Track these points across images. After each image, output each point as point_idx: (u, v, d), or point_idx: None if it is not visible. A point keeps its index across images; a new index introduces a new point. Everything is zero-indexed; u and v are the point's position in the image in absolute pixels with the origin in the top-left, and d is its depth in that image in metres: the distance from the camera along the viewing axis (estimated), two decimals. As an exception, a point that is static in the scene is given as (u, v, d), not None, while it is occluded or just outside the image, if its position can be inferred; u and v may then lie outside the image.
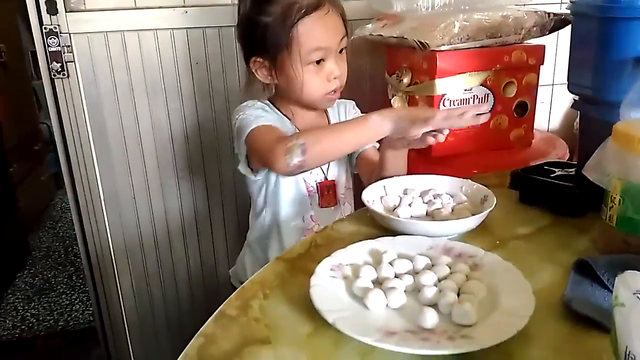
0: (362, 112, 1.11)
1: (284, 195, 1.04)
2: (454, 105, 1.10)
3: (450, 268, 0.63)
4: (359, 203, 1.11)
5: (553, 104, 1.61)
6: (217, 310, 0.61)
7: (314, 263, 0.70)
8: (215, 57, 1.36)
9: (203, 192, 1.47)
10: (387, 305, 0.58)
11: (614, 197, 0.66)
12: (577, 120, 1.55)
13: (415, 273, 0.64)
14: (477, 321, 0.54)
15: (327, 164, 1.05)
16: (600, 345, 0.51)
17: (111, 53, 1.30)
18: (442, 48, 1.04)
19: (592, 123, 0.91)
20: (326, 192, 1.06)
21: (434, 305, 0.57)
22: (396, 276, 0.63)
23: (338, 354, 0.53)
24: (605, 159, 0.68)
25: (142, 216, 1.44)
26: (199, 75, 1.37)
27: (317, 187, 1.05)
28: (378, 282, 0.62)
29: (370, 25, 1.22)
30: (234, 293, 0.65)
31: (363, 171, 1.07)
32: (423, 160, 1.11)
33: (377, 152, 1.06)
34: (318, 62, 0.95)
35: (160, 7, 1.30)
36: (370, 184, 0.90)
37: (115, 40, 1.29)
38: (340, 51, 0.98)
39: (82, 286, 2.28)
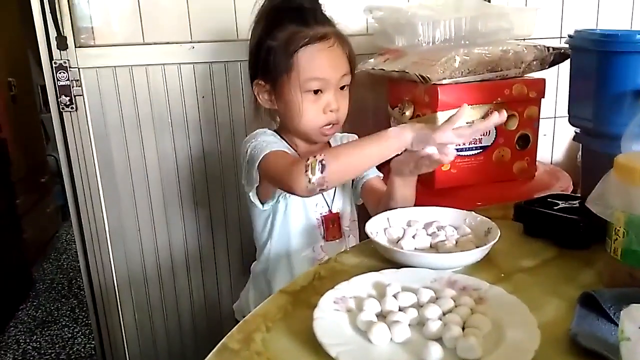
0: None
1: (294, 226, 1.04)
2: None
3: (454, 301, 0.63)
4: (363, 235, 1.11)
5: (556, 136, 1.61)
6: (219, 344, 0.61)
7: (317, 296, 0.70)
8: (221, 90, 1.38)
9: (207, 224, 1.47)
10: (391, 339, 0.57)
11: (618, 230, 0.66)
12: (580, 152, 1.55)
13: (419, 306, 0.63)
14: (482, 356, 0.53)
15: (333, 195, 1.06)
16: (609, 381, 0.51)
17: (119, 87, 1.33)
18: (444, 82, 1.06)
19: (593, 155, 0.92)
20: (331, 225, 1.06)
21: (438, 340, 0.56)
22: (400, 309, 0.63)
23: (342, 389, 0.52)
24: (608, 191, 0.68)
25: (147, 248, 1.45)
26: (205, 108, 1.39)
27: (321, 220, 1.05)
28: (382, 315, 0.62)
29: (372, 60, 1.24)
30: (236, 326, 0.64)
31: (369, 201, 1.07)
32: (426, 192, 1.11)
33: (381, 181, 1.07)
34: (316, 92, 0.96)
35: (167, 43, 1.33)
36: (377, 213, 0.91)
37: (123, 74, 1.32)
38: (342, 88, 0.99)
39: (84, 319, 2.26)
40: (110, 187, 1.38)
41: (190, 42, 1.34)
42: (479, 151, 1.14)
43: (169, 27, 1.32)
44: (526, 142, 1.16)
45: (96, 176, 1.36)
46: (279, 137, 1.04)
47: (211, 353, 0.59)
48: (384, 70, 1.16)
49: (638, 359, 0.42)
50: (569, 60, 1.15)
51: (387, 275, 0.70)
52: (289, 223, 1.03)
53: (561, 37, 1.53)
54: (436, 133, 0.81)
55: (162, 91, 1.36)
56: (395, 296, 0.64)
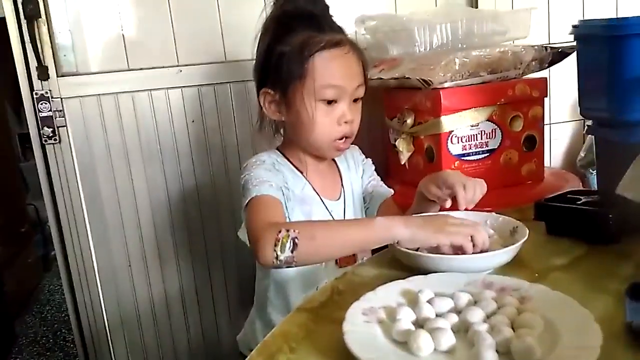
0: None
1: (291, 272, 0.95)
2: (462, 142, 1.06)
3: (496, 302, 0.57)
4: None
5: (552, 143, 1.59)
6: (240, 370, 0.54)
7: (340, 311, 0.63)
8: (211, 113, 1.34)
9: (203, 256, 1.39)
10: (434, 348, 0.51)
11: (660, 214, 0.62)
12: (581, 154, 1.53)
13: (457, 311, 0.57)
14: (541, 357, 0.47)
15: (344, 216, 0.99)
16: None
17: (104, 115, 1.27)
18: (445, 85, 1.02)
19: (609, 146, 0.88)
20: None
21: (489, 344, 0.50)
22: (437, 316, 0.57)
23: (388, 407, 0.46)
24: (643, 174, 0.64)
25: (139, 286, 1.36)
26: (195, 133, 1.34)
27: None
28: (418, 324, 0.55)
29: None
30: (254, 350, 0.57)
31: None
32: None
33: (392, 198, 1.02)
34: (330, 102, 0.90)
35: (153, 68, 1.28)
36: None
37: (108, 102, 1.27)
38: (355, 100, 0.94)
39: (71, 372, 2.13)
40: (98, 223, 1.31)
41: (177, 66, 1.29)
42: (486, 155, 1.10)
43: (154, 51, 1.28)
44: (533, 144, 1.13)
45: (82, 211, 1.29)
46: (280, 159, 0.97)
47: (232, 380, 0.52)
48: (382, 79, 1.12)
49: None
50: (563, 60, 1.14)
51: (415, 282, 0.64)
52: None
53: (550, 44, 1.52)
54: (433, 239, 0.71)
55: (149, 118, 1.30)
56: (430, 302, 0.58)
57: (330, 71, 0.89)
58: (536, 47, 1.12)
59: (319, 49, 0.88)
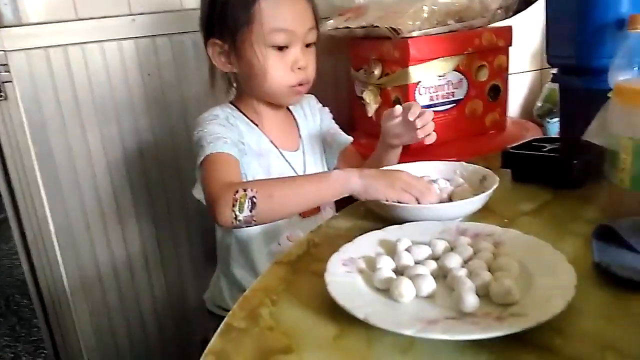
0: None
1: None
2: (429, 92, 1.06)
3: (472, 248, 0.58)
4: (339, 205, 1.05)
5: (510, 92, 1.61)
6: (222, 324, 0.53)
7: (318, 262, 0.63)
8: (168, 66, 1.27)
9: (164, 213, 1.36)
10: (416, 294, 0.52)
11: (625, 158, 0.64)
12: (538, 104, 1.57)
13: (435, 258, 0.58)
14: (519, 298, 0.49)
15: (303, 168, 0.99)
16: (652, 307, 0.48)
17: (54, 69, 1.19)
18: (413, 34, 1.01)
19: (573, 94, 0.90)
20: None
21: (469, 287, 0.51)
22: (416, 263, 0.57)
23: (374, 353, 0.46)
24: (611, 120, 0.66)
25: (99, 246, 1.32)
26: (152, 87, 1.28)
27: None
28: (398, 272, 0.56)
29: (332, 21, 1.18)
30: (236, 304, 0.57)
31: (347, 166, 1.01)
32: (402, 152, 1.07)
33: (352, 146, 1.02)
34: (281, 48, 0.87)
35: (104, 17, 1.20)
36: None
37: (57, 55, 1.18)
38: (308, 45, 0.91)
39: (28, 336, 2.07)
40: (52, 184, 1.25)
41: (130, 15, 1.22)
42: (452, 105, 1.10)
43: (104, -1, 1.19)
44: (497, 93, 1.14)
45: (35, 171, 1.22)
46: (235, 113, 0.94)
47: (215, 335, 0.51)
48: (349, 28, 1.09)
49: None
50: (529, 7, 1.14)
51: (391, 232, 0.64)
52: None
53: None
54: (382, 194, 0.71)
55: (102, 71, 1.23)
56: (408, 250, 0.59)
57: (278, 15, 0.86)
58: (501, -5, 1.11)
59: None
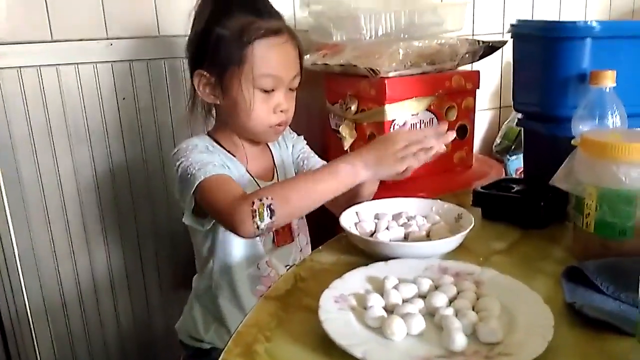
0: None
1: (236, 246, 0.96)
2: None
3: (456, 287, 0.62)
4: (313, 231, 1.08)
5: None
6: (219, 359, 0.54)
7: (306, 297, 0.66)
8: (143, 91, 1.27)
9: (134, 240, 1.34)
10: (407, 332, 0.55)
11: (590, 204, 0.69)
12: (497, 141, 1.65)
13: (421, 296, 0.61)
14: (503, 338, 0.52)
15: None
16: (622, 347, 0.52)
17: (25, 90, 1.17)
18: (390, 75, 1.06)
19: (537, 139, 0.96)
20: (281, 230, 1.00)
21: (456, 327, 0.54)
22: (404, 301, 0.60)
23: (371, 390, 0.49)
24: (577, 168, 0.71)
25: (64, 273, 1.29)
26: (126, 112, 1.27)
27: None
28: (388, 310, 0.59)
29: (309, 56, 1.22)
30: (230, 340, 0.58)
31: None
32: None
33: None
34: (267, 91, 0.91)
35: (81, 40, 1.20)
36: (334, 204, 0.91)
37: (30, 76, 1.17)
38: (291, 89, 0.95)
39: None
40: (18, 206, 1.21)
41: (107, 39, 1.22)
42: (423, 143, 1.15)
43: (80, 21, 1.18)
44: (465, 132, 1.21)
45: (1, 194, 1.19)
46: (214, 144, 0.97)
47: (214, 372, 0.52)
48: (327, 65, 1.13)
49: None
50: (493, 54, 1.22)
51: (378, 269, 0.68)
52: (230, 243, 0.96)
53: (473, 34, 1.61)
54: (394, 170, 0.81)
55: (76, 94, 1.22)
56: (395, 288, 0.62)
57: (269, 60, 0.89)
58: (470, 40, 1.19)
59: (259, 37, 0.88)
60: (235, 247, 0.96)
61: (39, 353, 1.30)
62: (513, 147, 1.57)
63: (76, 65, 1.21)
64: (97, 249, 1.31)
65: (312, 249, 1.06)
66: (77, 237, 1.28)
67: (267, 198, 0.77)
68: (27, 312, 1.26)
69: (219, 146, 0.97)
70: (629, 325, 0.53)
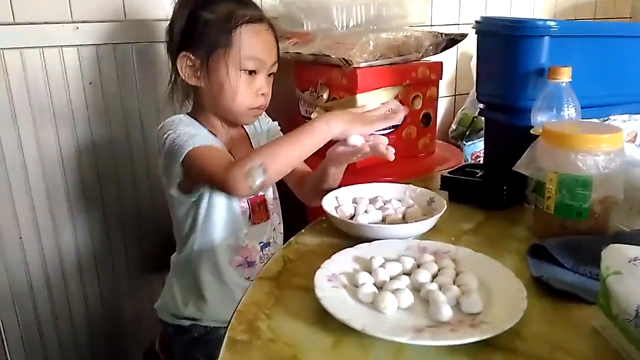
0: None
1: (218, 217, 1.01)
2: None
3: (437, 264, 0.68)
4: (285, 212, 1.12)
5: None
6: (225, 338, 0.58)
7: (299, 277, 0.70)
8: (110, 76, 1.26)
9: (101, 223, 1.34)
10: (398, 306, 0.60)
11: (550, 188, 0.77)
12: (453, 127, 1.74)
13: (406, 274, 0.67)
14: (482, 308, 0.59)
15: None
16: (584, 314, 0.60)
17: (-12, 73, 1.13)
18: (361, 65, 1.10)
19: (498, 127, 1.04)
20: (257, 208, 1.05)
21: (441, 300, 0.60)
22: (391, 278, 0.66)
23: (370, 357, 0.54)
24: (538, 156, 0.79)
25: (31, 258, 1.27)
26: (93, 96, 1.26)
27: (248, 204, 1.03)
28: (377, 286, 0.64)
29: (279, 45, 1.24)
30: (232, 318, 0.62)
31: (292, 180, 1.09)
32: (346, 172, 1.16)
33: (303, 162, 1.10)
34: (250, 73, 0.96)
35: (46, 23, 1.17)
36: (301, 190, 1.03)
37: (-8, 59, 1.13)
38: (270, 75, 1.01)
39: None
40: (-20, 191, 1.18)
41: (73, 22, 1.19)
42: (390, 130, 1.22)
43: (44, 4, 1.16)
44: (428, 120, 1.27)
45: (-37, 179, 1.16)
46: (195, 122, 1.00)
47: (222, 348, 0.56)
48: (299, 53, 1.16)
49: (631, 286, 0.51)
50: (454, 45, 1.29)
51: (363, 250, 0.73)
52: (213, 213, 1.00)
53: (431, 25, 1.68)
54: (366, 130, 0.87)
55: (41, 78, 1.19)
56: (382, 267, 0.67)
57: (254, 44, 0.95)
58: (433, 32, 1.25)
59: (245, 22, 0.94)
60: (218, 221, 1.00)
61: (6, 339, 1.28)
62: (467, 133, 1.67)
63: (41, 49, 1.18)
64: (64, 232, 1.30)
65: (284, 229, 1.11)
66: (43, 220, 1.27)
67: (257, 159, 0.82)
68: (-8, 301, 1.24)
69: (200, 124, 1.01)
70: (590, 295, 0.60)
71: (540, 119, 0.89)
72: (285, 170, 0.89)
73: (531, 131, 0.89)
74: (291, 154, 0.87)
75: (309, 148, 0.87)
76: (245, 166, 0.82)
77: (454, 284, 0.64)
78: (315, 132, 0.86)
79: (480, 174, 0.97)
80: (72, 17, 1.20)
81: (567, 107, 0.87)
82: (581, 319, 0.59)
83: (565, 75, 0.86)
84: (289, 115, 1.43)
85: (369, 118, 0.88)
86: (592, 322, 0.57)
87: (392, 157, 0.87)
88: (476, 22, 1.00)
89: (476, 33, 1.01)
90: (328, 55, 1.11)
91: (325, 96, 1.18)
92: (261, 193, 1.05)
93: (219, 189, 0.89)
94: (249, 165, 0.82)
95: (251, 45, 0.94)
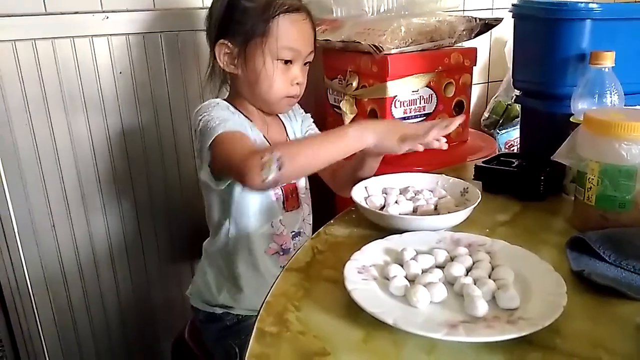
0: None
1: (252, 204, 1.00)
2: (404, 106, 1.14)
3: (471, 257, 0.66)
4: (314, 202, 1.11)
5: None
6: (255, 329, 0.57)
7: (326, 269, 0.69)
8: (140, 65, 1.26)
9: (132, 211, 1.35)
10: (430, 300, 0.58)
11: (592, 179, 0.74)
12: (485, 115, 1.69)
13: (438, 267, 0.65)
14: (520, 304, 0.57)
15: None
16: (627, 310, 0.57)
17: (21, 64, 1.15)
18: (392, 52, 1.08)
19: (535, 115, 1.00)
20: (290, 196, 1.05)
21: (476, 295, 0.58)
22: (423, 271, 0.64)
23: (403, 354, 0.52)
24: (580, 145, 0.76)
25: (63, 244, 1.29)
26: (123, 85, 1.26)
27: (282, 191, 1.03)
28: (409, 279, 0.62)
29: (308, 31, 1.22)
30: (262, 309, 0.61)
31: (326, 169, 1.07)
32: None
33: None
34: (286, 62, 0.95)
35: (76, 13, 1.17)
36: (336, 181, 1.00)
37: (25, 49, 1.14)
38: (305, 64, 1.00)
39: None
40: (15, 179, 1.20)
41: (103, 12, 1.20)
42: (422, 118, 1.19)
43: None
44: (462, 108, 1.24)
45: (-2, 168, 1.18)
46: (233, 108, 1.00)
47: (251, 340, 0.55)
48: (328, 40, 1.14)
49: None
50: (489, 30, 1.24)
51: (394, 241, 0.71)
52: (247, 200, 1.00)
53: (464, 10, 1.63)
54: (402, 145, 0.83)
55: (72, 67, 1.20)
56: (414, 259, 0.65)
57: (291, 34, 0.94)
58: (467, 17, 1.21)
59: (283, 11, 0.93)
60: (253, 208, 1.00)
61: (40, 324, 1.31)
62: (501, 121, 1.62)
63: (72, 39, 1.19)
64: (95, 221, 1.31)
65: (313, 220, 1.10)
66: (75, 208, 1.28)
67: (277, 152, 0.80)
68: (27, 284, 1.27)
69: (237, 110, 1.00)
70: (634, 290, 0.57)
71: (581, 106, 0.86)
72: (301, 171, 0.88)
73: (571, 119, 0.86)
74: (314, 157, 0.84)
75: (333, 155, 0.85)
76: (264, 157, 0.80)
77: (489, 277, 0.62)
78: (345, 139, 0.84)
79: (516, 163, 0.94)
80: (102, 6, 1.20)
81: (610, 93, 0.83)
82: (624, 316, 0.57)
83: (608, 60, 0.82)
84: (317, 104, 1.41)
85: (405, 135, 0.83)
86: (637, 318, 0.55)
87: (445, 146, 0.85)
88: (513, 5, 0.96)
89: (513, 17, 0.98)
90: (358, 42, 1.08)
91: (354, 84, 1.16)
92: (293, 181, 1.04)
93: (234, 177, 0.88)
94: (267, 157, 0.80)
95: (288, 35, 0.93)
